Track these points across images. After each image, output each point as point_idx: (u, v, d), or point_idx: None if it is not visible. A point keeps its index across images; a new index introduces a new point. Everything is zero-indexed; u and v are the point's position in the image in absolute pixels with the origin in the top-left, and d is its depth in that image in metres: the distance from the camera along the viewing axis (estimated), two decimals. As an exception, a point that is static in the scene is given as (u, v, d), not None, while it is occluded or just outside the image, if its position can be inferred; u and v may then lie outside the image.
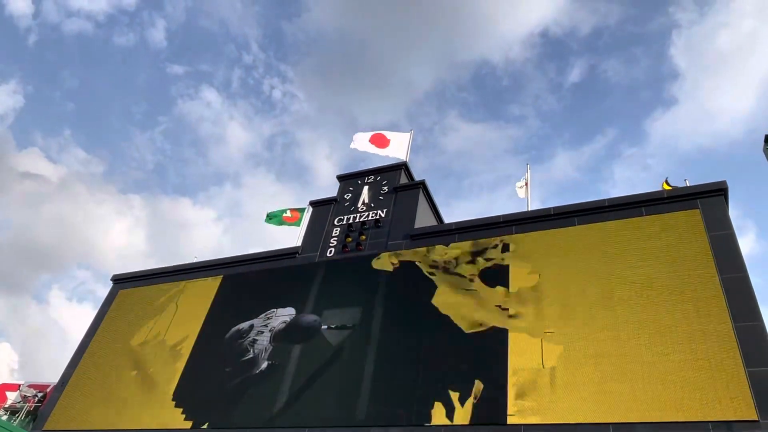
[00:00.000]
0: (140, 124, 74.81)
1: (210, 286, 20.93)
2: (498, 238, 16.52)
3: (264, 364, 16.90)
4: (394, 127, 23.99)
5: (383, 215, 19.72)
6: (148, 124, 75.56)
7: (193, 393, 17.43)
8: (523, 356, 13.53)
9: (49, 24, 67.23)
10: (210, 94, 74.71)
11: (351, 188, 21.75)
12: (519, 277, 15.22)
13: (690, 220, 14.23)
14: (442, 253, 17.10)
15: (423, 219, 19.70)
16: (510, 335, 14.05)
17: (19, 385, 22.51)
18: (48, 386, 21.79)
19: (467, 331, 14.67)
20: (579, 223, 15.69)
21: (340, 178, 22.60)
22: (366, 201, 20.76)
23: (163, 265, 23.60)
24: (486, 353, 14.04)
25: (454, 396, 13.55)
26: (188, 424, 16.58)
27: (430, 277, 16.56)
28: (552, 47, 68.65)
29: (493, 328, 14.35)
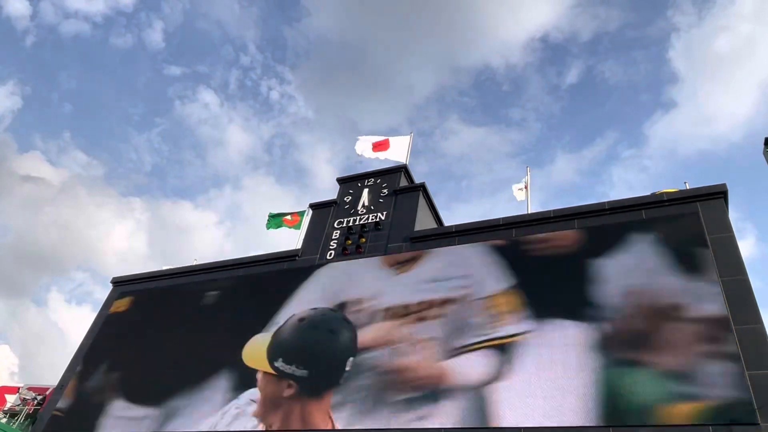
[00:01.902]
0: (138, 126, 74.72)
1: (210, 287, 20.92)
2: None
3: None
4: (395, 131, 24.00)
5: (383, 218, 19.71)
6: (145, 126, 75.49)
7: (192, 394, 17.39)
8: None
9: (47, 25, 67.24)
10: (207, 95, 74.73)
11: (351, 191, 21.74)
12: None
13: (690, 222, 14.23)
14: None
15: (423, 221, 19.68)
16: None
17: (19, 388, 22.44)
18: (47, 389, 21.72)
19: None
20: (579, 226, 15.68)
21: (340, 180, 22.59)
22: (366, 203, 20.75)
23: (164, 268, 23.61)
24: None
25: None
26: (187, 425, 16.57)
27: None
28: (552, 52, 68.63)
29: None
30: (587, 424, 11.85)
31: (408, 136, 23.48)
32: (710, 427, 10.88)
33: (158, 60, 72.78)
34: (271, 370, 16.58)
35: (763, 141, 16.54)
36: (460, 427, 13.05)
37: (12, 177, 63.78)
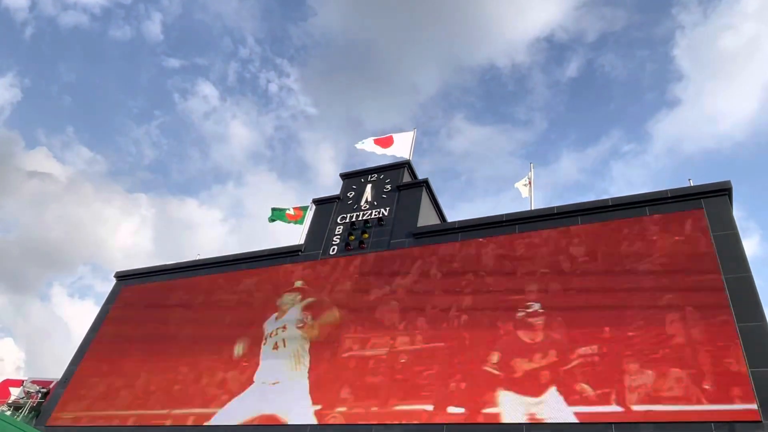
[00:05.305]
0: (137, 118, 74.53)
1: (212, 283, 20.97)
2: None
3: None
4: (399, 130, 23.91)
5: (386, 213, 19.69)
6: (144, 119, 75.33)
7: (195, 389, 17.46)
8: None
9: (46, 17, 67.12)
10: (206, 88, 74.54)
11: (354, 186, 21.73)
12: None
13: (694, 219, 14.17)
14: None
15: (426, 217, 19.65)
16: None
17: (23, 381, 22.58)
18: (51, 382, 21.86)
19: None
20: (582, 223, 15.64)
21: (344, 176, 22.58)
22: (369, 199, 20.74)
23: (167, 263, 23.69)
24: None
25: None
26: (189, 420, 16.64)
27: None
28: (558, 51, 68.24)
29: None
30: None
31: (411, 132, 23.45)
32: (712, 424, 10.85)
33: (157, 52, 72.69)
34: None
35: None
36: (461, 423, 13.07)
37: (19, 173, 63.97)
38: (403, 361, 14.89)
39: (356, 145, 23.56)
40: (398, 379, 14.60)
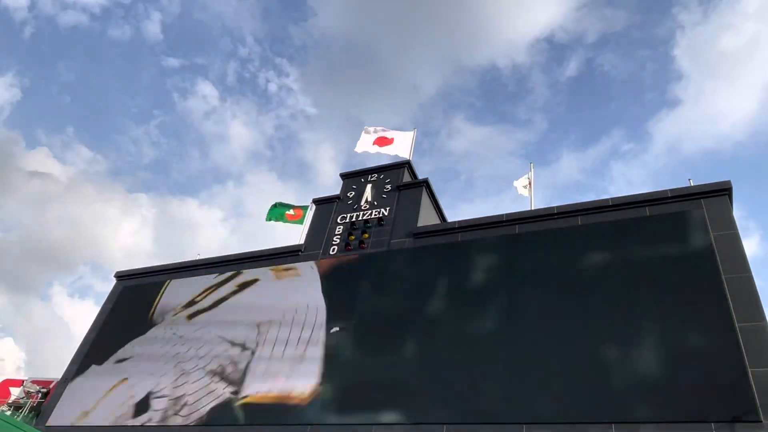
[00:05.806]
0: (137, 118, 74.47)
1: (212, 282, 20.97)
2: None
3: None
4: (399, 130, 23.88)
5: (386, 213, 19.70)
6: (143, 118, 75.30)
7: (197, 388, 17.47)
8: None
9: (45, 16, 67.08)
10: (206, 87, 74.51)
11: (354, 186, 21.74)
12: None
13: (694, 219, 14.18)
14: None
15: (426, 217, 19.67)
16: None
17: (23, 381, 22.58)
18: (51, 382, 21.87)
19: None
20: (582, 222, 15.64)
21: (344, 176, 22.59)
22: (369, 199, 20.75)
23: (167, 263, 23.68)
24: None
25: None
26: (188, 420, 16.64)
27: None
28: (558, 52, 68.32)
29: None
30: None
31: (411, 132, 23.46)
32: (712, 424, 10.86)
33: (157, 52, 72.69)
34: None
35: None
36: (460, 422, 13.08)
37: (19, 173, 64.02)
38: (404, 361, 14.90)
39: (357, 149, 23.57)
40: (400, 379, 14.62)
